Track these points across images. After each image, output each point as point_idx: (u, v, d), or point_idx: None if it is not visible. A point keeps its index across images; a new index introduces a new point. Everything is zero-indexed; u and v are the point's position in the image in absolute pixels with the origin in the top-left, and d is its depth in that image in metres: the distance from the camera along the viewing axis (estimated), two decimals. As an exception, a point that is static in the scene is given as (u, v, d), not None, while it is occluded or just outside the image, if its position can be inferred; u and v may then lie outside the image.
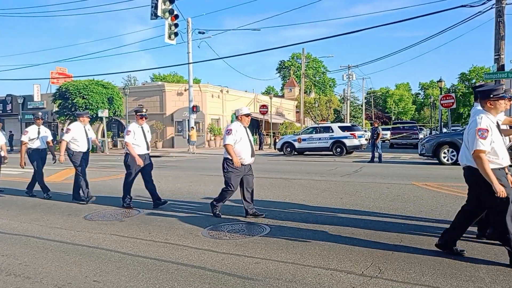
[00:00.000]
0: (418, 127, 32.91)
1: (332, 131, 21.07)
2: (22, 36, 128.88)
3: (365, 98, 67.39)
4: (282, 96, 59.79)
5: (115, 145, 33.34)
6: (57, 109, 28.73)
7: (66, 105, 27.04)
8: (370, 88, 77.00)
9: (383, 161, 16.26)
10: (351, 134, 20.68)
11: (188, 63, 26.76)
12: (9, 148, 31.57)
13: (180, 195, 8.53)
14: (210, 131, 33.53)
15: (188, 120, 27.51)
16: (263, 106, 31.90)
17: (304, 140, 21.72)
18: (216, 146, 32.73)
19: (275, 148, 25.73)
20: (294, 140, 21.92)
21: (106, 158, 21.77)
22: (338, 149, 20.55)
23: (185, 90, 31.38)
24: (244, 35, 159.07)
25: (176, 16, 14.34)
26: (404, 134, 28.32)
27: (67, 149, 7.93)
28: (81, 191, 7.97)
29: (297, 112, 50.05)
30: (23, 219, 6.49)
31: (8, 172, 14.52)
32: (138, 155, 7.11)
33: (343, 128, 21.27)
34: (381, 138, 16.99)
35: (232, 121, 37.44)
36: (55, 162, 8.58)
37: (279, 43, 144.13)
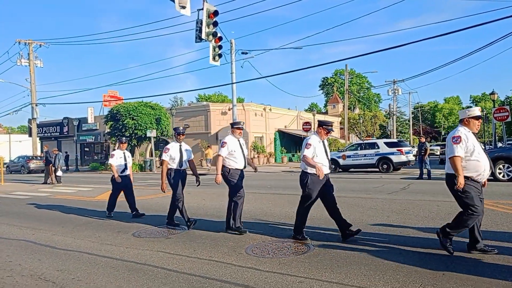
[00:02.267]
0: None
1: (378, 147, 20.56)
2: (77, 62, 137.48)
3: (412, 112, 65.35)
4: (326, 113, 59.41)
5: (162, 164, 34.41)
6: (108, 130, 30.15)
7: (117, 126, 28.31)
8: (418, 103, 74.64)
9: (432, 177, 15.61)
10: (398, 150, 20.08)
11: (232, 83, 27.27)
12: (64, 167, 33.44)
13: (224, 213, 8.57)
14: (254, 149, 33.77)
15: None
16: (306, 123, 31.77)
17: (348, 157, 21.34)
18: (260, 164, 32.85)
19: (319, 166, 25.40)
20: (339, 157, 21.59)
21: (154, 177, 22.46)
22: (385, 166, 19.99)
23: (229, 109, 31.96)
24: (286, 53, 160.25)
25: (220, 38, 14.74)
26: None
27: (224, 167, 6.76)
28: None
29: (341, 128, 49.42)
30: (76, 235, 6.82)
31: (63, 190, 15.36)
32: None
33: (389, 144, 20.70)
34: (428, 154, 16.32)
35: (275, 138, 37.46)
36: (199, 185, 7.79)
37: (321, 60, 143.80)
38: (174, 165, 7.26)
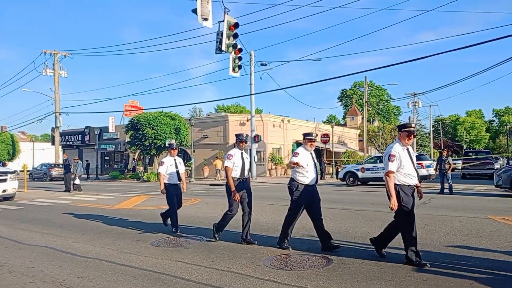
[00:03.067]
0: (493, 157, 30.65)
1: (398, 161, 20.24)
2: (100, 72, 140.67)
3: (433, 126, 64.36)
4: (344, 125, 59.01)
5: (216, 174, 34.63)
6: (129, 139, 30.60)
7: (137, 136, 28.72)
8: (438, 116, 73.54)
9: (454, 192, 15.28)
10: (418, 164, 19.71)
11: (251, 94, 27.48)
12: (85, 176, 34.04)
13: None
14: (271, 160, 33.73)
15: (250, 150, 27.99)
16: (325, 135, 31.62)
17: (367, 169, 21.10)
18: (277, 175, 32.77)
19: (337, 178, 25.22)
20: (357, 170, 21.37)
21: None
22: (405, 180, 19.64)
23: (247, 120, 32.11)
24: (305, 65, 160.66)
25: (240, 50, 14.88)
26: (478, 163, 26.47)
27: (291, 181, 6.60)
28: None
29: (360, 141, 48.96)
30: (96, 243, 6.91)
31: (84, 198, 15.60)
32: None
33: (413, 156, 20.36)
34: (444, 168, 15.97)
35: (293, 149, 37.38)
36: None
37: (340, 72, 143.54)
38: (235, 174, 6.77)
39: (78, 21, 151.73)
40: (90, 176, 35.78)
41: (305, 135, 6.45)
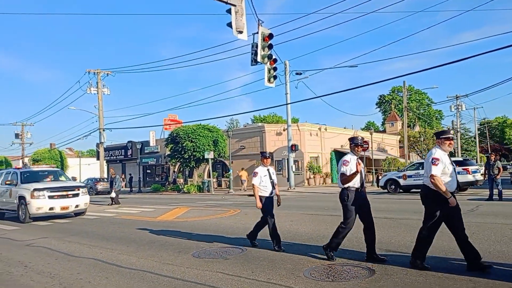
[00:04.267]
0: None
1: (441, 167, 19.52)
2: (140, 88, 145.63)
3: (479, 129, 61.59)
4: (384, 131, 57.70)
5: (219, 185, 35.01)
6: (169, 152, 31.35)
7: (177, 149, 29.39)
8: (484, 118, 70.29)
9: (503, 198, 14.50)
10: (463, 169, 18.91)
11: (287, 104, 27.48)
12: (128, 189, 35.13)
13: (282, 234, 8.53)
14: (309, 169, 33.44)
15: (288, 159, 27.90)
16: (364, 142, 31.02)
17: (409, 176, 20.44)
18: (315, 184, 32.43)
19: (378, 186, 24.61)
20: (399, 177, 20.76)
21: (212, 198, 22.92)
22: (450, 186, 18.88)
23: (284, 130, 32.07)
24: (340, 72, 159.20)
25: (275, 60, 14.95)
26: None
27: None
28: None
29: (400, 147, 47.66)
30: (140, 255, 7.11)
31: (128, 211, 16.08)
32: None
33: (453, 163, 19.59)
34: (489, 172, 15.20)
35: (331, 159, 36.82)
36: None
37: (377, 78, 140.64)
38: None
39: (119, 41, 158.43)
40: (133, 189, 36.86)
41: (438, 134, 5.69)
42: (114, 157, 46.00)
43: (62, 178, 15.66)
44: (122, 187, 23.71)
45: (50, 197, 13.30)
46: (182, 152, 28.87)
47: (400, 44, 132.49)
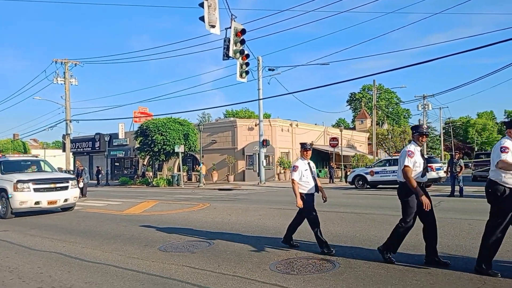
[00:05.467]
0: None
1: (407, 164, 20.10)
2: (110, 80, 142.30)
3: (444, 128, 63.70)
4: (353, 128, 58.74)
5: (189, 179, 34.74)
6: (138, 145, 30.82)
7: (147, 142, 28.92)
8: (449, 118, 72.81)
9: (464, 195, 15.10)
10: (428, 166, 19.55)
11: (259, 99, 27.53)
12: (95, 182, 34.32)
13: (250, 228, 8.61)
14: (280, 164, 33.69)
15: (259, 154, 27.99)
16: (333, 138, 31.53)
17: (377, 173, 20.96)
18: (286, 179, 32.72)
19: (346, 181, 25.09)
20: (367, 173, 21.24)
21: (182, 191, 22.73)
22: (414, 183, 19.48)
23: (255, 125, 32.14)
24: (313, 69, 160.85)
25: (247, 56, 14.92)
26: (487, 166, 26.11)
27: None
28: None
29: (369, 144, 48.68)
30: (104, 249, 6.97)
31: (93, 204, 15.72)
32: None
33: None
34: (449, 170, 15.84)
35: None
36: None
37: (348, 76, 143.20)
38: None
39: (88, 30, 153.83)
40: (101, 182, 36.05)
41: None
42: (81, 149, 44.81)
43: (47, 168, 14.07)
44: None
45: (36, 189, 11.81)
46: (152, 145, 28.44)
47: (372, 44, 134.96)
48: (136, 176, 35.55)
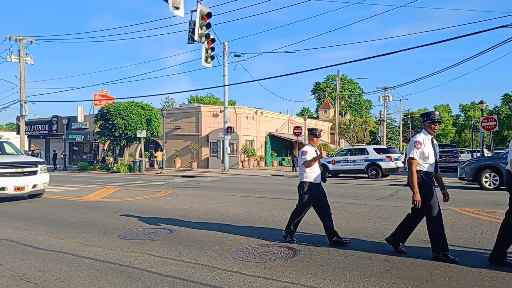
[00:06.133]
0: (458, 150, 31.78)
1: (368, 153, 20.69)
2: (68, 60, 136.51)
3: (403, 119, 65.88)
4: (317, 118, 59.63)
5: (151, 165, 34.16)
6: (98, 129, 29.89)
7: (107, 126, 28.10)
8: (408, 110, 75.30)
9: (420, 184, 15.71)
10: (387, 156, 20.22)
11: (224, 85, 27.31)
12: (52, 167, 33.06)
13: (212, 216, 8.58)
14: (244, 152, 33.75)
15: (223, 141, 27.88)
16: (297, 127, 31.89)
17: (338, 162, 21.43)
18: (249, 167, 32.85)
19: (309, 170, 25.49)
20: (328, 162, 21.66)
21: (143, 178, 22.32)
22: (374, 172, 20.11)
23: (220, 112, 31.94)
24: (279, 57, 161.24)
25: (213, 40, 14.73)
26: (443, 157, 27.34)
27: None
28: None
29: (331, 133, 49.65)
30: (60, 236, 6.73)
31: (49, 190, 15.12)
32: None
33: (378, 150, 20.85)
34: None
35: (266, 142, 37.43)
36: None
37: (313, 65, 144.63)
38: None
39: (45, 6, 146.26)
40: (57, 167, 34.77)
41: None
42: (37, 132, 42.92)
43: (11, 150, 12.73)
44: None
45: (1, 174, 10.77)
46: (113, 130, 27.66)
47: (337, 34, 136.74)
48: (95, 161, 34.51)
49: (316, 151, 6.13)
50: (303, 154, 5.98)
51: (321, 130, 6.99)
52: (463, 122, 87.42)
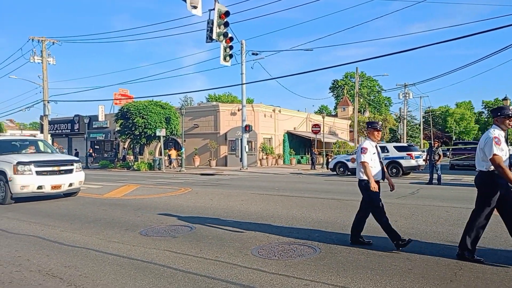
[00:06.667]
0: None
1: (388, 151, 20.39)
2: (89, 60, 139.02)
3: (423, 117, 64.82)
4: (336, 115, 59.12)
5: (171, 163, 34.49)
6: (119, 128, 30.33)
7: (127, 125, 28.48)
8: (429, 107, 74.08)
9: (442, 183, 15.45)
10: (407, 154, 19.90)
11: (242, 84, 27.35)
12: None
13: (232, 213, 8.63)
14: (262, 150, 33.76)
15: (241, 139, 27.95)
16: (316, 125, 31.70)
17: (357, 160, 21.20)
18: (268, 165, 32.84)
19: (327, 168, 25.34)
20: (348, 160, 21.46)
21: (163, 176, 22.57)
22: (394, 170, 19.81)
23: (238, 110, 31.98)
24: (296, 55, 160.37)
25: (231, 39, 14.75)
26: (467, 155, 26.75)
27: None
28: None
29: (350, 131, 49.16)
30: (84, 232, 6.87)
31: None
32: None
33: (399, 148, 20.53)
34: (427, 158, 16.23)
35: (284, 140, 37.33)
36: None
37: (331, 63, 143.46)
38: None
39: (66, 8, 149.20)
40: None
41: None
42: (60, 131, 43.85)
43: (46, 149, 12.80)
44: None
45: (39, 172, 10.66)
46: (133, 129, 28.04)
47: (354, 31, 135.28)
48: (116, 160, 35.07)
49: (376, 146, 5.83)
50: (362, 152, 5.62)
51: (382, 123, 6.77)
52: (486, 119, 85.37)
